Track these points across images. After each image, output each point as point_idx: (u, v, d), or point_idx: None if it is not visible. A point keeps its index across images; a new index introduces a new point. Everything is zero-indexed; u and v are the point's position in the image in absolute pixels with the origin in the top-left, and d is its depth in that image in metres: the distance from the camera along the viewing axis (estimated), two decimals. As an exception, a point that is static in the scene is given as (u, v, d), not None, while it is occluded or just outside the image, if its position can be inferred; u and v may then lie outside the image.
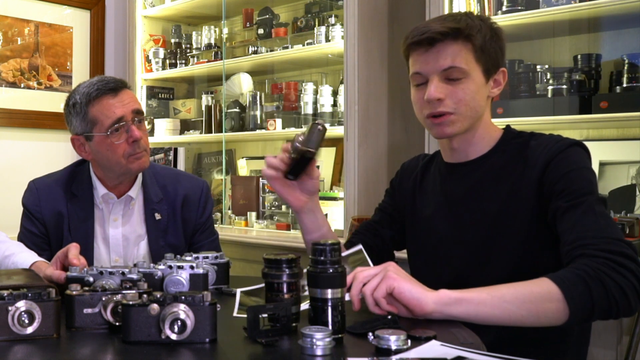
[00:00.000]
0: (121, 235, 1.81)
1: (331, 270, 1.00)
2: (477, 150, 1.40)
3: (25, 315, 1.02)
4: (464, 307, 1.09)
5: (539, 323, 1.10)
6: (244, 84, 3.40)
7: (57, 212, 1.79)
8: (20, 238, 1.81)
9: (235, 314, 1.18)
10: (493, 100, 1.45)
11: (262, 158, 3.49)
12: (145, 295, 1.01)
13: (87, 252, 1.76)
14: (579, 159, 1.29)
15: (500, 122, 2.18)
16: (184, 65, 3.58)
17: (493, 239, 1.32)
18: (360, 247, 1.31)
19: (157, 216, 1.82)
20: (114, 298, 1.07)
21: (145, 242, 1.82)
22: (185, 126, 3.59)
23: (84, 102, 1.70)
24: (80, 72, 3.62)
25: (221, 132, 3.31)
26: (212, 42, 3.51)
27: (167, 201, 1.85)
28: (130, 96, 1.75)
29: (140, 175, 1.83)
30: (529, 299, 1.09)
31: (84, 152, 1.77)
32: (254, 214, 3.13)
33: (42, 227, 1.80)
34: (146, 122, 1.79)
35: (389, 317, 1.08)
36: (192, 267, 1.29)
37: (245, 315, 1.15)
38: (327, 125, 2.87)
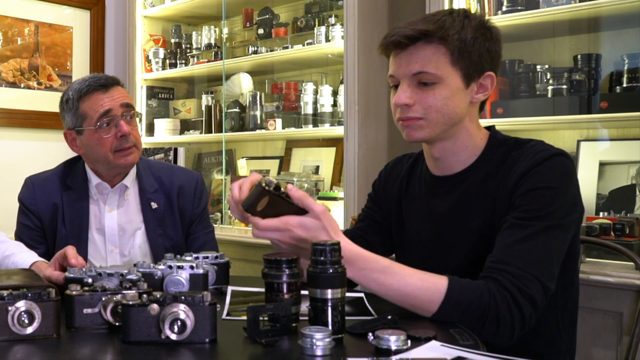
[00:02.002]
0: (117, 225, 1.83)
1: (331, 271, 1.00)
2: (461, 162, 1.35)
3: (25, 315, 1.02)
4: (351, 272, 1.11)
5: (405, 307, 1.16)
6: (244, 84, 3.40)
7: (52, 204, 1.81)
8: (17, 233, 1.85)
9: (224, 317, 1.18)
10: (486, 103, 1.40)
11: (262, 158, 3.50)
12: (145, 295, 1.01)
13: (82, 242, 1.79)
14: (554, 174, 1.23)
15: (500, 122, 2.20)
16: (184, 65, 3.58)
17: (478, 255, 1.28)
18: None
19: (154, 205, 1.84)
20: (114, 298, 1.07)
21: (142, 231, 1.83)
22: (185, 126, 3.59)
23: (75, 98, 1.74)
24: (80, 72, 3.62)
25: (221, 132, 3.31)
26: (212, 42, 3.51)
27: (162, 191, 1.87)
28: (121, 92, 1.77)
29: (134, 167, 1.85)
30: (411, 296, 1.13)
31: (76, 147, 1.81)
32: (254, 214, 3.12)
33: (37, 220, 1.82)
34: (137, 119, 1.81)
35: (389, 317, 1.08)
36: (192, 267, 1.29)
37: (234, 318, 1.16)
38: (327, 126, 2.90)
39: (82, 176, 1.83)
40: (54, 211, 1.81)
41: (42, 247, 1.81)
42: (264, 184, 1.09)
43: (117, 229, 1.82)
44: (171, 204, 1.87)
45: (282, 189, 1.11)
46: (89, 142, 1.75)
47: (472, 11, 1.36)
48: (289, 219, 1.10)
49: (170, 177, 1.90)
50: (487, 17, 1.34)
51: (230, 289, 1.38)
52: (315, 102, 3.01)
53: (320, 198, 2.91)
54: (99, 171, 1.82)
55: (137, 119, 1.81)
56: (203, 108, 3.47)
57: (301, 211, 1.12)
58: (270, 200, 1.10)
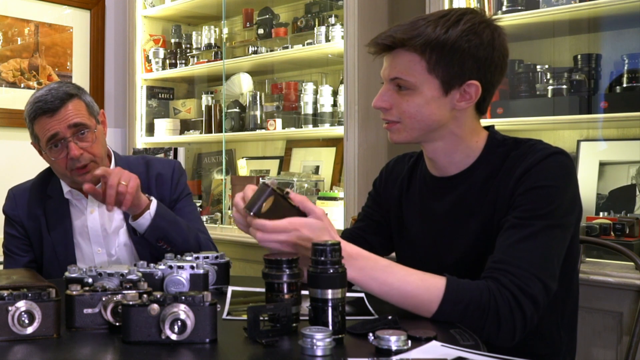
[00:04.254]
0: (99, 226, 1.83)
1: (331, 271, 1.00)
2: (457, 163, 1.34)
3: (25, 315, 1.02)
4: (351, 272, 1.10)
5: (405, 307, 1.16)
6: (244, 84, 3.40)
7: (34, 215, 1.84)
8: (4, 244, 1.87)
9: (224, 317, 1.18)
10: (487, 106, 1.35)
11: (262, 158, 3.50)
12: (145, 296, 1.01)
13: (69, 248, 1.81)
14: (554, 173, 1.23)
15: (500, 123, 2.20)
16: (184, 65, 3.58)
17: (478, 256, 1.27)
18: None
19: None
20: (114, 298, 1.07)
21: (124, 229, 1.83)
22: (185, 126, 3.59)
23: (27, 119, 1.75)
24: (80, 72, 3.62)
25: (221, 132, 3.31)
26: (212, 42, 3.51)
27: (141, 186, 1.85)
28: (72, 110, 1.70)
29: (112, 166, 1.85)
30: (410, 295, 1.13)
31: (43, 157, 1.80)
32: (254, 214, 3.12)
33: (22, 229, 1.85)
34: (95, 131, 1.74)
35: (390, 317, 1.08)
36: (192, 267, 1.29)
37: (234, 318, 1.16)
38: (327, 126, 2.90)
39: (60, 183, 1.85)
40: (37, 221, 1.83)
41: (29, 256, 1.84)
42: (269, 183, 1.10)
43: (100, 230, 1.83)
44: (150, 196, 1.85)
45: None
46: (48, 160, 1.78)
47: (475, 11, 1.32)
48: (294, 219, 1.11)
49: (148, 169, 1.89)
50: (485, 20, 1.28)
51: (230, 289, 1.38)
52: (315, 102, 3.01)
53: (320, 198, 2.91)
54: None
55: (99, 130, 1.75)
56: (203, 108, 3.47)
57: (301, 214, 1.13)
58: (274, 201, 1.10)
